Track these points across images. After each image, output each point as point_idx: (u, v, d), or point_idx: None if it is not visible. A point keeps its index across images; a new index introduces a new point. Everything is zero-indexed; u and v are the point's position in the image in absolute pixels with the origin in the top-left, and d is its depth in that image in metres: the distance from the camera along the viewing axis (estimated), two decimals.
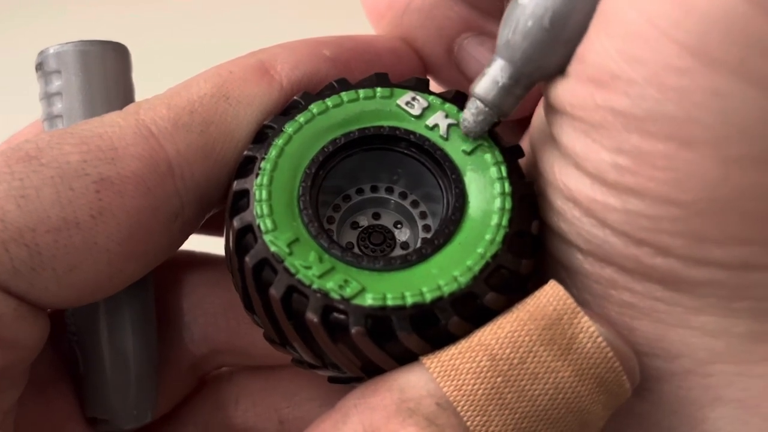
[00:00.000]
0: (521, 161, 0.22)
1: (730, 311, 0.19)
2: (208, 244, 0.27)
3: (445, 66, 0.26)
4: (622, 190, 0.19)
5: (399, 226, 0.23)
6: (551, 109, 0.20)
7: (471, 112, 0.21)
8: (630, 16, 0.17)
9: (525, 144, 0.23)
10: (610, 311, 0.21)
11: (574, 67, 0.19)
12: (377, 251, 0.22)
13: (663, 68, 0.17)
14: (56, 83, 0.23)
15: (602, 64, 0.18)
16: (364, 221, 0.23)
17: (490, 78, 0.20)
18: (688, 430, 0.20)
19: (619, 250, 0.19)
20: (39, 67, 0.24)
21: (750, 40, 0.16)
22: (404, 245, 0.23)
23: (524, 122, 0.24)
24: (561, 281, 0.20)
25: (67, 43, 0.24)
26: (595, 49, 0.18)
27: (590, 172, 0.19)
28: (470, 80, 0.25)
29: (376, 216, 0.23)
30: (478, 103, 0.21)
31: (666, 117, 0.17)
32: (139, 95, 0.25)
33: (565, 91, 0.19)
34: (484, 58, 0.25)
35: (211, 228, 0.26)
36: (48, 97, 0.24)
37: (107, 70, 0.24)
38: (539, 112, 0.22)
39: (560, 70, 0.19)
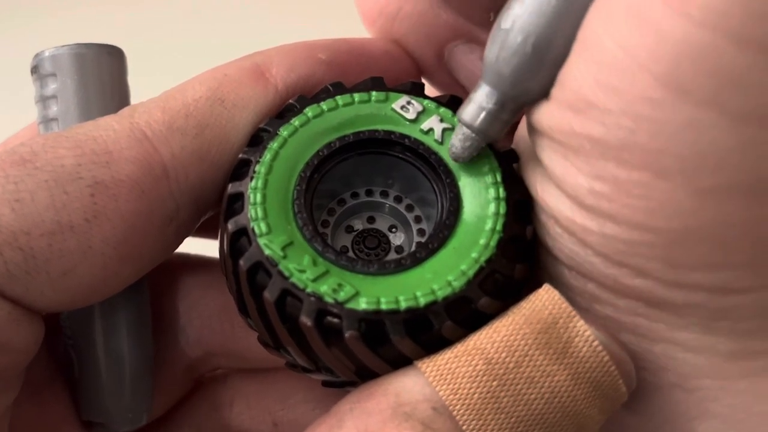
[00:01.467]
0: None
1: (710, 330, 0.19)
2: (204, 247, 0.27)
3: (437, 71, 0.26)
4: (599, 215, 0.19)
5: (394, 230, 0.23)
6: (533, 129, 0.20)
7: (458, 138, 0.21)
8: (607, 45, 0.17)
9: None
10: (596, 324, 0.21)
11: (554, 91, 0.19)
12: (372, 255, 0.22)
13: (637, 99, 0.17)
14: (52, 86, 0.23)
15: (579, 91, 0.18)
16: (359, 225, 0.23)
17: (476, 104, 0.20)
18: None
19: (599, 269, 0.20)
20: (34, 69, 0.24)
21: (721, 72, 0.16)
22: (399, 249, 0.23)
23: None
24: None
25: (62, 46, 0.24)
26: (574, 75, 0.18)
27: (569, 194, 0.19)
28: (462, 85, 0.25)
29: (371, 220, 0.23)
30: (465, 129, 0.21)
31: (640, 147, 0.17)
32: (134, 97, 0.25)
33: (545, 113, 0.19)
34: (474, 66, 0.25)
35: (206, 231, 0.26)
36: (43, 100, 0.24)
37: (103, 73, 0.24)
38: (523, 126, 0.22)
39: (545, 93, 0.19)
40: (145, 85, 0.26)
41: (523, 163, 0.22)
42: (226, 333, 0.27)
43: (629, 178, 0.18)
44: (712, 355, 0.20)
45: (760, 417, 0.20)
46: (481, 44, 0.25)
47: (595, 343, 0.19)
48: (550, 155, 0.19)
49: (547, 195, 0.20)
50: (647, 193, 0.18)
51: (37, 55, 0.24)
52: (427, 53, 0.26)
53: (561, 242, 0.20)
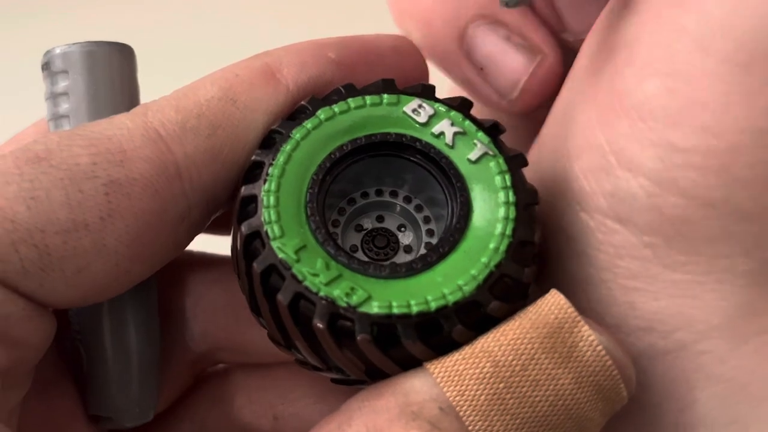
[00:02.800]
0: (532, 151, 0.22)
1: (734, 276, 0.20)
2: (205, 243, 0.27)
3: (454, 52, 0.26)
4: (664, 120, 0.19)
5: (403, 229, 0.23)
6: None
7: None
8: None
9: (530, 155, 0.23)
10: (613, 284, 0.21)
11: None
12: (381, 254, 0.23)
13: None
14: (62, 83, 0.23)
15: None
16: (369, 224, 0.23)
17: None
18: (677, 412, 0.21)
19: (641, 202, 0.20)
20: (45, 66, 0.24)
21: None
22: (407, 248, 0.23)
23: (531, 130, 0.24)
24: (563, 253, 0.20)
25: (73, 43, 0.24)
26: None
27: (633, 106, 0.19)
28: (476, 68, 0.25)
29: (380, 219, 0.23)
30: None
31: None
32: (144, 96, 0.25)
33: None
34: (494, 47, 0.25)
35: (214, 228, 0.26)
36: (54, 97, 0.24)
37: (113, 71, 0.24)
38: (579, 63, 0.22)
39: None
40: (151, 84, 0.26)
41: (573, 107, 0.22)
42: (231, 328, 0.27)
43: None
44: (728, 310, 0.20)
45: (764, 381, 0.20)
46: (504, 26, 0.25)
47: (599, 347, 0.19)
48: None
49: (604, 123, 0.20)
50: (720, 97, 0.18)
51: (48, 52, 0.24)
52: (448, 32, 0.25)
53: (604, 178, 0.20)
